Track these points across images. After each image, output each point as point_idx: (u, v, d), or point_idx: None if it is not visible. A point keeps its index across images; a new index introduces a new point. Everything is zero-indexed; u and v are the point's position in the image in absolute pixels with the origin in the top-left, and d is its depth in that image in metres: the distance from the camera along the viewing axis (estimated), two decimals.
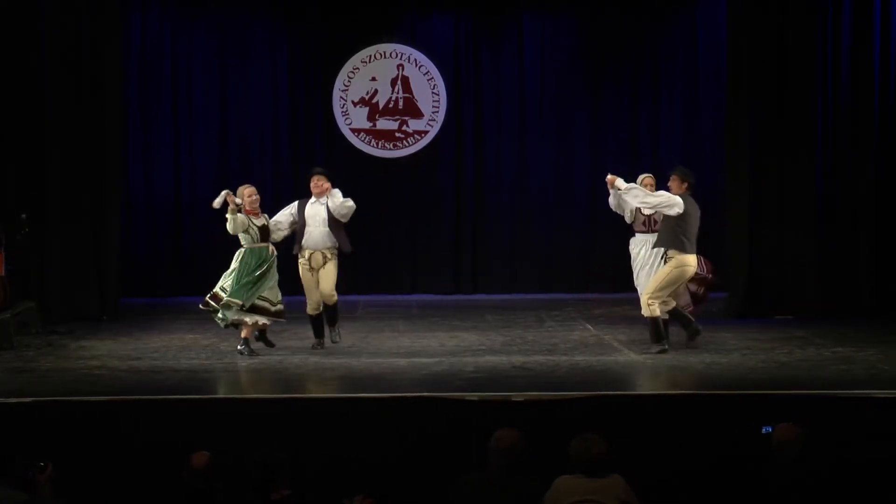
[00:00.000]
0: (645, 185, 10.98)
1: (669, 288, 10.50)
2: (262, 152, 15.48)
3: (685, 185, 10.61)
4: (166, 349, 10.95)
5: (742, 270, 13.23)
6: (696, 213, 10.55)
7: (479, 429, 6.72)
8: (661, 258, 10.75)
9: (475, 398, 8.40)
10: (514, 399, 8.36)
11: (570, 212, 15.74)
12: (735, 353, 10.57)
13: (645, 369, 9.90)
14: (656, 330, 10.52)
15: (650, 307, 10.45)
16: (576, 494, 5.92)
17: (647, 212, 11.08)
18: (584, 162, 15.72)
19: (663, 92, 15.65)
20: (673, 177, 10.70)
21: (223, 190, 10.57)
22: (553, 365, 10.03)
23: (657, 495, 6.75)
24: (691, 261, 10.50)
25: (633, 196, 10.64)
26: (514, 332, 12.07)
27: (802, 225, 13.23)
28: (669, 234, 10.52)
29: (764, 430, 6.96)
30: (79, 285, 13.12)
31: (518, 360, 10.29)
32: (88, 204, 13.15)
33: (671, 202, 10.45)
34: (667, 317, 10.61)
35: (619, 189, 10.70)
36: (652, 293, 10.44)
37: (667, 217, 10.53)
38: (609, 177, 10.82)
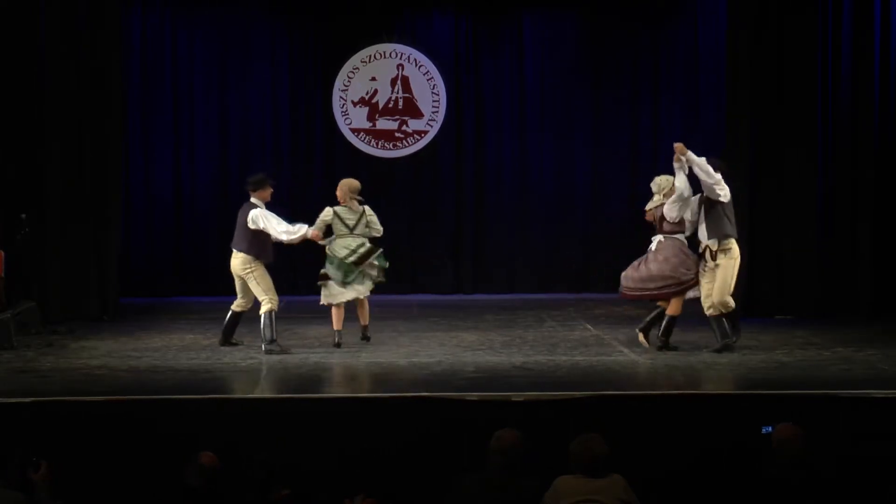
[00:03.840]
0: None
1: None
2: (262, 152, 15.48)
3: (718, 173, 10.58)
4: (166, 349, 10.95)
5: (741, 269, 13.19)
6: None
7: (479, 429, 6.72)
8: (705, 252, 10.61)
9: (475, 398, 8.39)
10: (514, 399, 8.35)
11: (570, 211, 15.75)
12: (735, 353, 10.56)
13: (645, 369, 9.90)
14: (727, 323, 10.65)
15: (731, 301, 10.61)
16: (576, 494, 5.92)
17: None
18: (584, 161, 15.73)
19: (663, 91, 15.67)
20: None
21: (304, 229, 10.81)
22: (553, 365, 10.02)
23: (657, 495, 6.74)
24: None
25: (704, 166, 10.42)
26: (514, 331, 12.07)
27: (802, 224, 13.23)
28: (721, 221, 10.50)
29: (764, 430, 6.96)
30: (79, 285, 13.12)
31: (518, 359, 10.29)
32: (89, 204, 13.14)
33: (724, 186, 10.48)
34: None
35: (692, 161, 10.38)
36: (730, 289, 10.56)
37: (715, 205, 10.47)
38: (677, 145, 10.46)
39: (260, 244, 10.74)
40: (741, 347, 10.81)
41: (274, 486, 6.14)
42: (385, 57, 15.62)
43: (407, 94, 15.59)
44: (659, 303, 10.79)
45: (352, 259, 10.88)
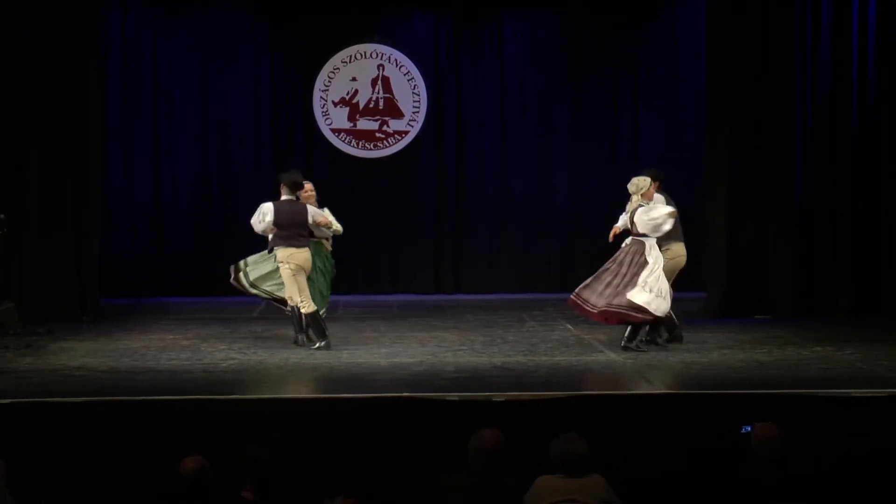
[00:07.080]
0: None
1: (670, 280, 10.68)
2: (243, 153, 15.46)
3: (657, 183, 10.71)
4: (146, 350, 10.91)
5: (721, 270, 13.26)
6: (673, 206, 10.70)
7: (459, 429, 6.73)
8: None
9: (456, 398, 8.40)
10: (494, 399, 8.36)
11: (550, 212, 15.77)
12: (715, 352, 10.60)
13: (625, 369, 9.91)
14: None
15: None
16: (556, 494, 5.93)
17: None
18: (564, 162, 15.76)
19: (643, 92, 15.70)
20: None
21: None
22: (533, 365, 10.03)
23: (637, 495, 6.76)
24: (682, 250, 10.87)
25: (648, 224, 10.63)
26: (494, 332, 12.07)
27: (781, 224, 13.26)
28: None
29: (743, 430, 6.99)
30: (59, 286, 13.05)
31: (499, 360, 10.30)
32: (69, 204, 13.09)
33: (666, 216, 10.53)
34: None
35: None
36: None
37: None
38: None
39: None
40: (721, 347, 10.85)
41: (251, 486, 6.13)
42: (365, 57, 15.61)
43: (387, 95, 15.59)
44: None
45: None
